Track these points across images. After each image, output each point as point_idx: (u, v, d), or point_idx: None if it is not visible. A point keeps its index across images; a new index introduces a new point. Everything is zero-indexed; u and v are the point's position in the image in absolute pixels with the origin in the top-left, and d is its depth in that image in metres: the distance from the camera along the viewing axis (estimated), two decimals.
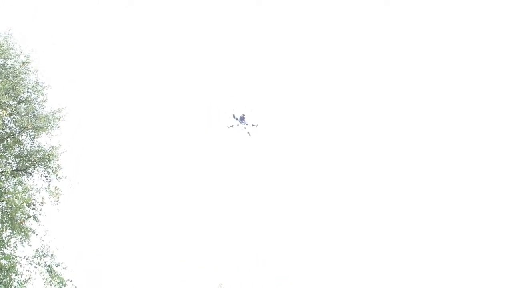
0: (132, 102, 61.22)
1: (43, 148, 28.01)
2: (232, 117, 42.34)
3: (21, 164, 27.65)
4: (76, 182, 27.84)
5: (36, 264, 25.45)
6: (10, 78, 27.37)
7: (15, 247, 25.82)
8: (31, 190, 26.52)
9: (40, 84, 28.51)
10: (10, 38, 28.34)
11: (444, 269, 52.90)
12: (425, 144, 61.70)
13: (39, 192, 26.87)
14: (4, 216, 25.58)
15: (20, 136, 27.81)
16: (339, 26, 61.42)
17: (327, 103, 60.63)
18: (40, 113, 28.27)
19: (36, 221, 26.37)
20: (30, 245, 26.07)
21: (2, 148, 27.47)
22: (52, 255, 25.81)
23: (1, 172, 26.46)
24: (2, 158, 27.19)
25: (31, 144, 28.10)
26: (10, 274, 24.41)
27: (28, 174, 27.62)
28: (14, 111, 27.55)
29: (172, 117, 59.89)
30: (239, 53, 58.87)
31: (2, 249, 25.41)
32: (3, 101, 26.47)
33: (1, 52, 27.62)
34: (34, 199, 26.52)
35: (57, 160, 27.75)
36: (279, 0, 60.43)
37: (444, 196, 58.45)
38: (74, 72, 59.26)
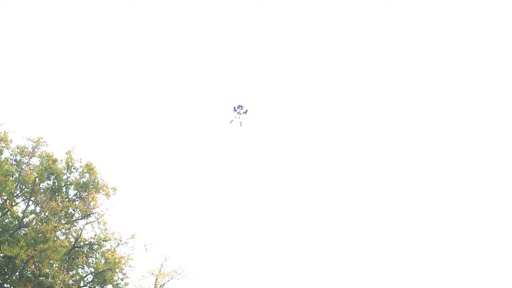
0: (131, 101, 61.47)
1: None
2: (233, 109, 42.06)
3: None
4: None
5: None
6: None
7: None
8: None
9: None
10: None
11: (444, 269, 53.04)
12: (425, 144, 61.78)
13: None
14: None
15: None
16: (339, 26, 61.51)
17: (326, 102, 60.78)
18: None
19: None
20: None
21: None
22: None
23: None
24: None
25: None
26: None
27: None
28: None
29: (171, 116, 60.11)
30: (238, 53, 59.04)
31: None
32: None
33: None
34: None
35: None
36: (279, 0, 60.56)
37: (444, 196, 58.55)
38: (74, 72, 59.49)
